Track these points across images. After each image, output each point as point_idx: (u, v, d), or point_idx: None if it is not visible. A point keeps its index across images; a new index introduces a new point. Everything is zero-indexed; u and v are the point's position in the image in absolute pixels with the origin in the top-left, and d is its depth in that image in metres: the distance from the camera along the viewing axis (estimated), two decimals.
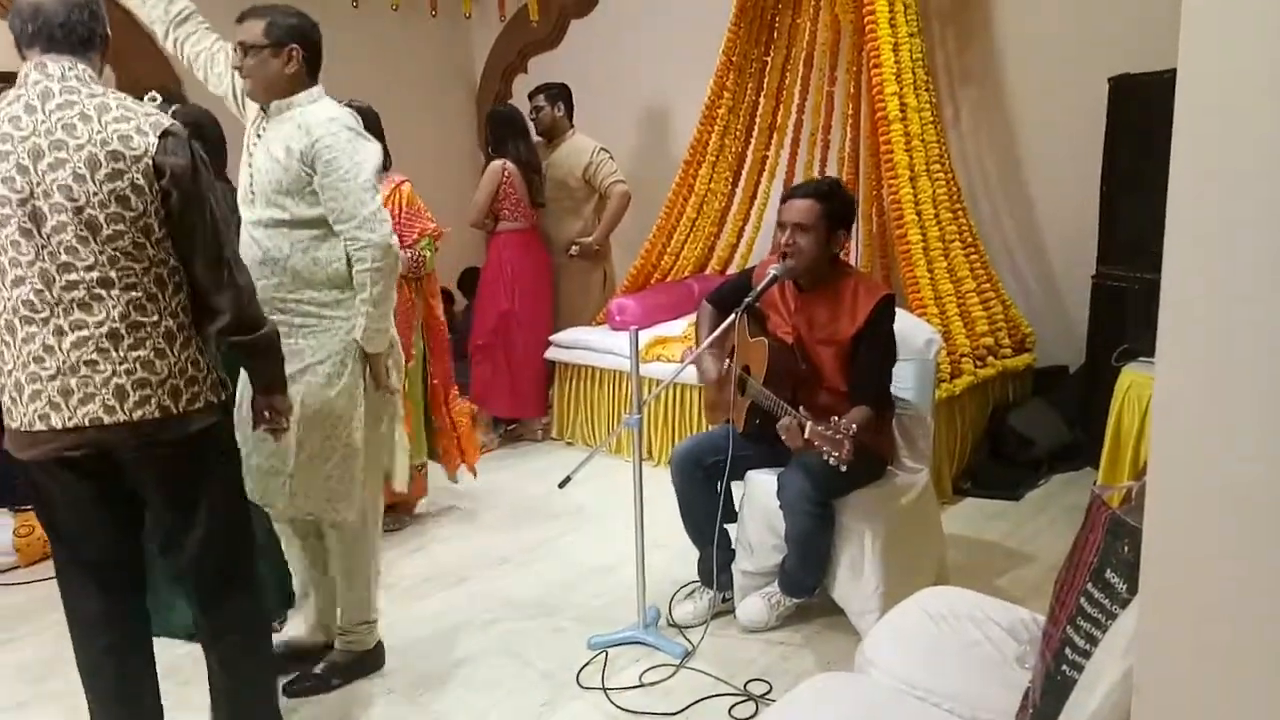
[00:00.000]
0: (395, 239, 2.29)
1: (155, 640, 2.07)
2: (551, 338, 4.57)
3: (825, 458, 2.26)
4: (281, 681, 2.41)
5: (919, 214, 3.78)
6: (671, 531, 2.89)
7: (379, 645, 2.60)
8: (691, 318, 3.97)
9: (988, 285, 4.03)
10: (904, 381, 2.83)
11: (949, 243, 3.89)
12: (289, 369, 2.23)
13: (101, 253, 1.72)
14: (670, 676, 2.52)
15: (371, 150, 2.28)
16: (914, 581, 2.45)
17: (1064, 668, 1.38)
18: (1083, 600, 1.37)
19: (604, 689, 2.48)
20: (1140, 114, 3.52)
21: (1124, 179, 3.67)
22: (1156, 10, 3.66)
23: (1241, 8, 0.76)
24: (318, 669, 2.52)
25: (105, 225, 1.72)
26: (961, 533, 3.39)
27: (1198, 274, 0.81)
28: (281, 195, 2.26)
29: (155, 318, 1.79)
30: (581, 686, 2.50)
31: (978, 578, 2.97)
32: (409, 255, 3.25)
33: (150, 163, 1.73)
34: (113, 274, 1.74)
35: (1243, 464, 0.80)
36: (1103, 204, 3.81)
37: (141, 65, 4.57)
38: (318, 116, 2.26)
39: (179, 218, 1.78)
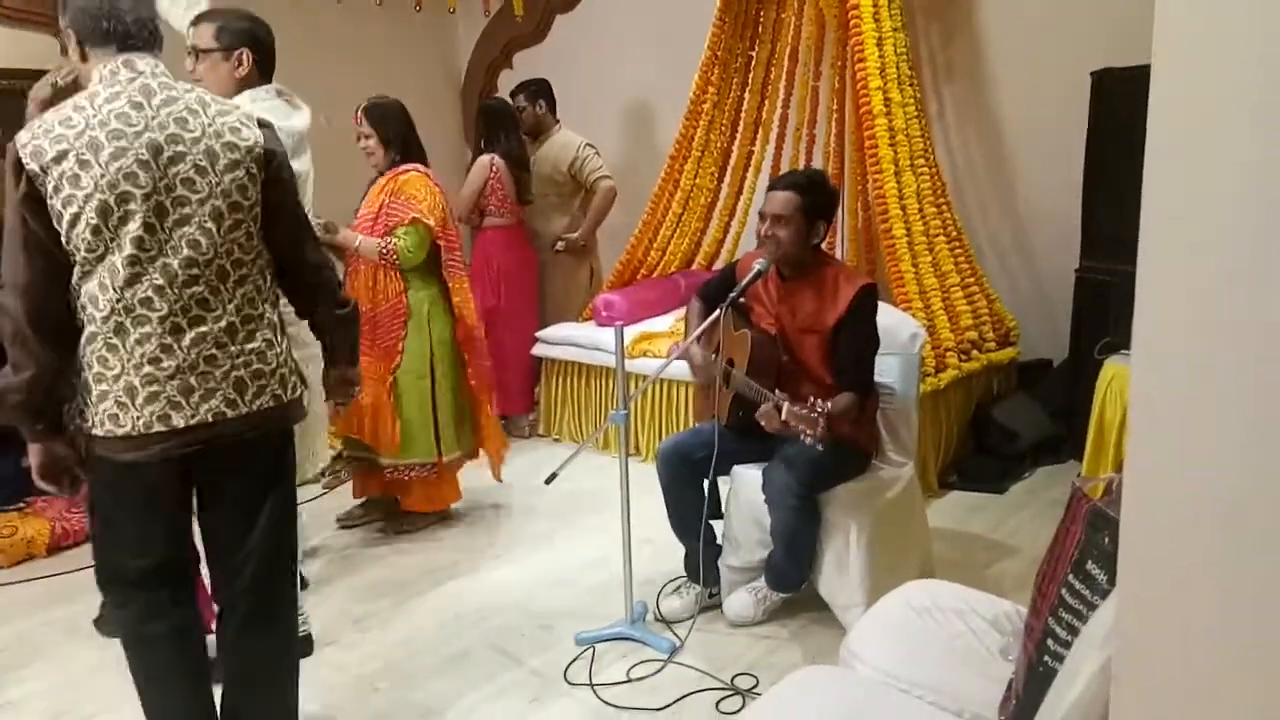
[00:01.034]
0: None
1: None
2: (538, 334, 4.56)
3: (802, 438, 2.28)
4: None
5: (903, 208, 3.79)
6: (659, 527, 2.89)
7: (307, 635, 2.60)
8: (678, 313, 3.97)
9: (972, 279, 4.05)
10: (889, 375, 2.84)
11: (933, 237, 3.90)
12: None
13: (222, 244, 1.75)
14: (657, 672, 2.53)
15: (307, 162, 2.29)
16: (899, 575, 2.46)
17: (1046, 659, 1.39)
18: (1064, 592, 1.38)
19: (591, 685, 2.48)
20: (1123, 108, 3.54)
21: (1107, 173, 3.69)
22: (1139, 4, 3.68)
23: (1213, 2, 0.77)
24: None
25: (227, 215, 1.75)
26: (946, 526, 3.40)
27: (1172, 268, 0.82)
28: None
29: (262, 309, 1.83)
30: (569, 683, 2.50)
31: (962, 570, 2.99)
32: (378, 244, 3.19)
33: (261, 152, 1.78)
34: (229, 266, 1.76)
35: (1218, 455, 0.81)
36: (1085, 198, 3.83)
37: None
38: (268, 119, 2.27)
39: (281, 202, 1.85)
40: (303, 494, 3.75)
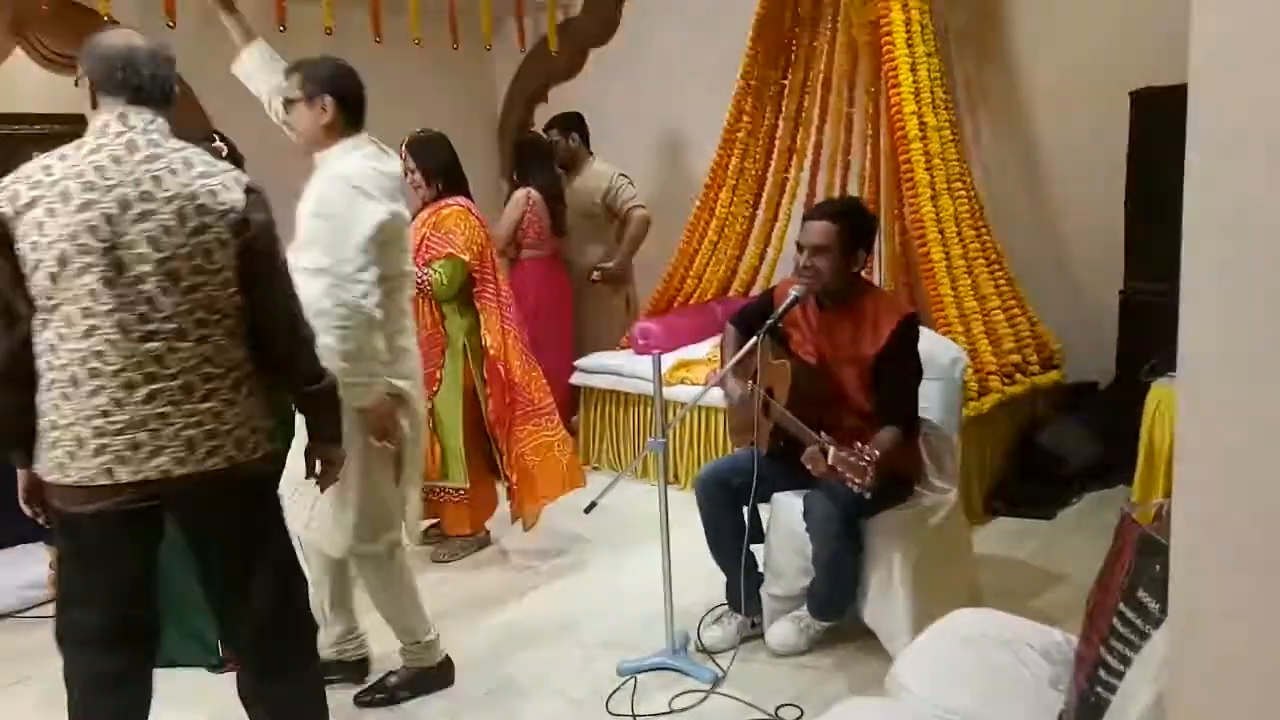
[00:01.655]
0: (370, 300, 2.26)
1: (179, 670, 2.06)
2: (576, 362, 4.58)
3: (849, 484, 2.24)
4: (353, 692, 2.59)
5: (941, 232, 3.76)
6: (699, 555, 2.87)
7: (446, 662, 2.64)
8: (715, 340, 3.97)
9: (1013, 302, 4.00)
10: (930, 400, 2.81)
11: (972, 260, 3.87)
12: None
13: (180, 304, 1.73)
14: (700, 702, 2.50)
15: (368, 211, 2.27)
16: (945, 603, 2.41)
17: (1098, 689, 1.36)
18: (1115, 620, 1.35)
19: (633, 715, 2.46)
20: (1164, 126, 3.48)
21: (1150, 192, 3.64)
22: (1177, 22, 3.64)
23: (1248, 21, 0.76)
24: (388, 682, 2.61)
25: (187, 277, 1.73)
26: (993, 553, 3.34)
27: (1214, 287, 0.81)
28: (307, 244, 2.31)
29: (224, 368, 1.80)
30: (611, 713, 2.49)
31: (1010, 599, 2.92)
32: (417, 275, 3.26)
33: (237, 218, 1.76)
34: (188, 325, 1.75)
35: (1269, 478, 0.79)
36: (1129, 218, 3.77)
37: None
38: (331, 171, 2.33)
39: (258, 271, 1.82)
40: None
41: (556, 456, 3.52)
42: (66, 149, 1.74)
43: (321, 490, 2.18)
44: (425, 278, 3.27)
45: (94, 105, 1.80)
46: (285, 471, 2.23)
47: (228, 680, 2.73)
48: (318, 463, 2.08)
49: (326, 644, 2.68)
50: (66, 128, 4.37)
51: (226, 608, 1.95)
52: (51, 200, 1.68)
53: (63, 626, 1.88)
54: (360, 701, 2.57)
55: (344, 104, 2.36)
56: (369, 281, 2.26)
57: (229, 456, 1.80)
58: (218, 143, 3.18)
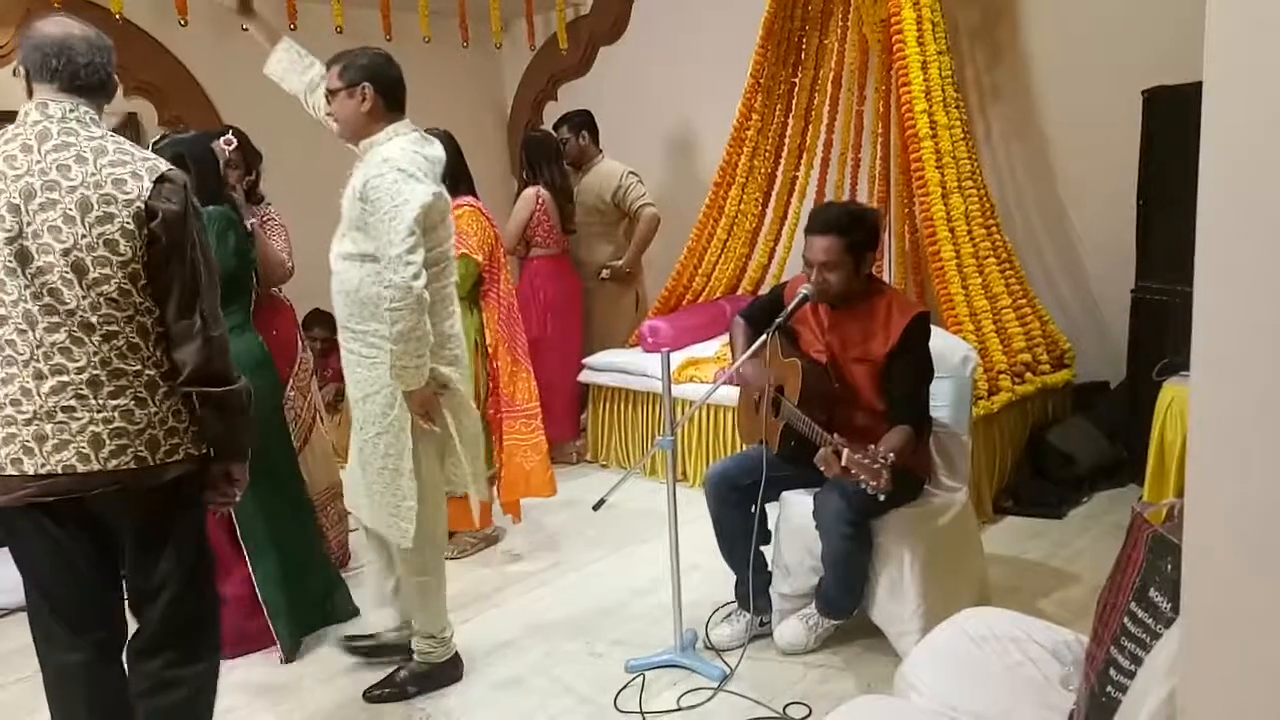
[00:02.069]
0: (420, 282, 2.29)
1: None
2: (585, 360, 4.59)
3: (862, 486, 2.24)
4: (364, 687, 2.62)
5: (951, 231, 3.75)
6: (708, 553, 2.88)
7: (455, 659, 2.67)
8: (723, 339, 3.97)
9: (1024, 301, 3.99)
10: (941, 399, 2.81)
11: (983, 259, 3.86)
12: (357, 394, 2.42)
13: (85, 297, 1.69)
14: (708, 700, 2.51)
15: (414, 192, 2.30)
16: (954, 602, 2.41)
17: (1108, 689, 1.35)
18: (1126, 620, 1.34)
19: (641, 712, 2.47)
20: (1176, 125, 3.48)
21: (1161, 191, 3.63)
22: (1190, 21, 3.62)
23: (1263, 18, 0.76)
24: (397, 677, 2.62)
25: (92, 269, 1.68)
26: (1003, 552, 3.33)
27: (1229, 287, 0.80)
28: (353, 230, 2.39)
29: (138, 366, 1.75)
30: (619, 710, 2.49)
31: (1020, 598, 2.92)
32: None
33: (142, 207, 1.70)
34: (95, 319, 1.70)
35: None
36: (1140, 217, 3.76)
37: (181, 104, 4.70)
38: (378, 156, 2.37)
39: (160, 262, 1.74)
40: (353, 520, 3.81)
41: (519, 463, 3.56)
42: None
43: (214, 514, 2.07)
44: None
45: (29, 95, 1.75)
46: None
47: (242, 666, 2.77)
48: (220, 482, 1.92)
49: (392, 628, 2.77)
50: None
51: (137, 603, 1.91)
52: None
53: (30, 618, 1.89)
54: (370, 696, 2.60)
55: (383, 91, 2.41)
56: (417, 263, 2.30)
57: (138, 457, 1.75)
58: (229, 135, 3.17)
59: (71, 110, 1.73)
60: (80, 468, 1.72)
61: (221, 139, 3.17)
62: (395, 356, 2.32)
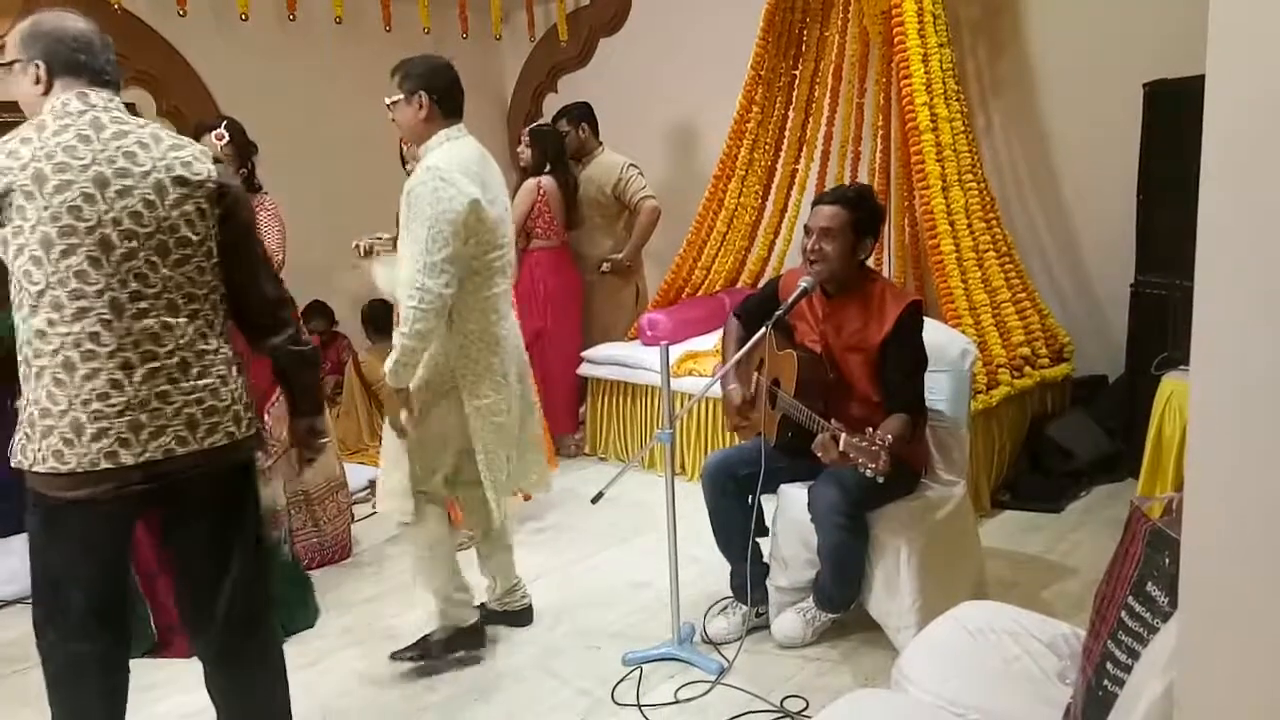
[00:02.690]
0: (450, 290, 2.39)
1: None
2: (584, 353, 4.59)
3: (862, 470, 2.24)
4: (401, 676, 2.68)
5: (951, 224, 3.75)
6: (706, 547, 2.88)
7: (476, 626, 2.74)
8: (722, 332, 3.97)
9: (1023, 295, 3.99)
10: (939, 393, 2.81)
11: (983, 252, 3.85)
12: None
13: (170, 279, 1.73)
14: (706, 693, 2.51)
15: (450, 198, 2.37)
16: (952, 596, 2.42)
17: (1105, 683, 1.35)
18: (1123, 614, 1.34)
19: (639, 705, 2.47)
20: (1177, 119, 3.47)
21: (1161, 185, 3.62)
22: (1191, 14, 3.61)
23: (1266, 11, 0.76)
24: (421, 641, 2.70)
25: (174, 249, 1.73)
26: (1001, 546, 3.34)
27: (1229, 281, 0.80)
28: (404, 232, 2.45)
29: (216, 344, 1.81)
30: (616, 703, 2.50)
31: (1017, 591, 2.93)
32: None
33: (214, 186, 1.77)
34: (180, 300, 1.75)
35: None
36: (1140, 211, 3.75)
37: (180, 94, 4.68)
38: (429, 162, 2.45)
39: (241, 238, 1.84)
40: (354, 512, 3.82)
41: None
42: (26, 131, 1.70)
43: (300, 472, 2.25)
44: None
45: (47, 90, 1.74)
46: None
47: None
48: (306, 437, 2.06)
49: (490, 599, 2.88)
50: None
51: (201, 585, 1.91)
52: (26, 185, 1.64)
53: (44, 614, 1.85)
54: (395, 656, 2.69)
55: (438, 98, 2.52)
56: (452, 272, 2.38)
57: (228, 432, 1.81)
58: (219, 130, 3.16)
59: (111, 100, 1.77)
60: (179, 450, 1.75)
61: (213, 133, 3.16)
62: (401, 352, 2.39)
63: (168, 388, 1.74)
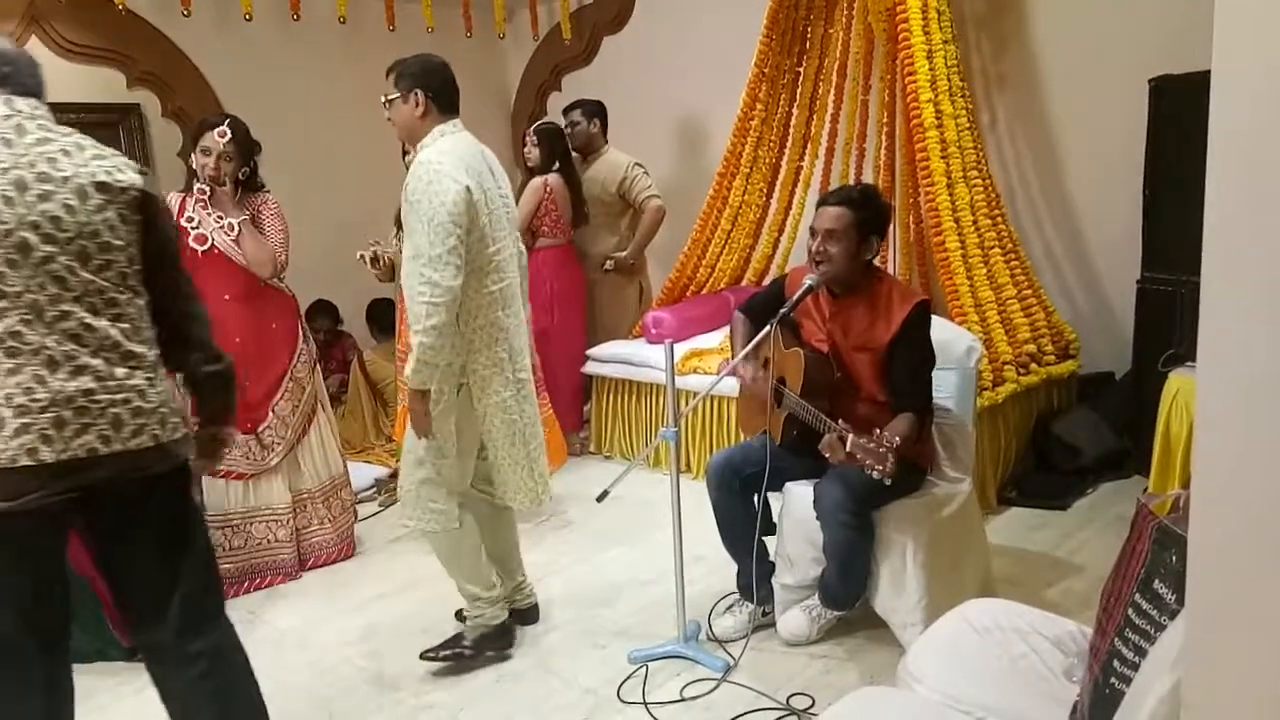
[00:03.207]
0: (458, 282, 2.38)
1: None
2: (589, 352, 4.59)
3: (869, 471, 2.24)
4: (421, 649, 2.69)
5: (957, 221, 3.74)
6: (711, 544, 2.88)
7: (507, 624, 2.76)
8: (727, 330, 3.96)
9: (1029, 291, 3.97)
10: (945, 390, 2.80)
11: (988, 249, 3.84)
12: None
13: (91, 283, 1.73)
14: (711, 691, 2.51)
15: (447, 188, 2.37)
16: (958, 593, 2.41)
17: (1112, 680, 1.35)
18: (1130, 611, 1.34)
19: (645, 703, 2.47)
20: (1183, 115, 3.46)
21: (1167, 181, 3.61)
22: (1196, 10, 3.59)
23: (1273, 6, 0.75)
24: (453, 639, 2.72)
25: (95, 255, 1.73)
26: (1007, 543, 3.33)
27: (1237, 277, 0.80)
28: (407, 232, 2.45)
29: (142, 348, 1.80)
30: (622, 701, 2.50)
31: (1024, 589, 2.92)
32: None
33: (137, 194, 1.77)
34: (100, 304, 1.74)
35: None
36: (1146, 207, 3.74)
37: (185, 95, 4.69)
38: (422, 157, 2.45)
39: (162, 248, 1.83)
40: (359, 511, 3.82)
41: (552, 433, 3.66)
42: None
43: (203, 472, 2.22)
44: None
45: None
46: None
47: None
48: (212, 445, 2.04)
49: (499, 599, 2.82)
50: (80, 116, 4.41)
51: (145, 595, 1.89)
52: None
53: None
54: (424, 655, 2.68)
55: (434, 95, 2.53)
56: (457, 263, 2.36)
57: (154, 435, 1.78)
58: (221, 128, 3.16)
59: (37, 109, 1.78)
60: (103, 449, 1.72)
61: (215, 130, 3.16)
62: (421, 351, 2.37)
63: (93, 385, 1.72)
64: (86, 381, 1.72)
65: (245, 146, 3.23)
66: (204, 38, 4.71)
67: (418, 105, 2.51)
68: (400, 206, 2.48)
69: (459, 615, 2.88)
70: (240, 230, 3.20)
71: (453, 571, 2.70)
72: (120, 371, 1.75)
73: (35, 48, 4.22)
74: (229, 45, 4.78)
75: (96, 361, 1.73)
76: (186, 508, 1.92)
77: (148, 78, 4.60)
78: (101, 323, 1.74)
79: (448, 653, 2.68)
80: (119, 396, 1.75)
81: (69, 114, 4.34)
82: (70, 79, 4.36)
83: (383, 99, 2.56)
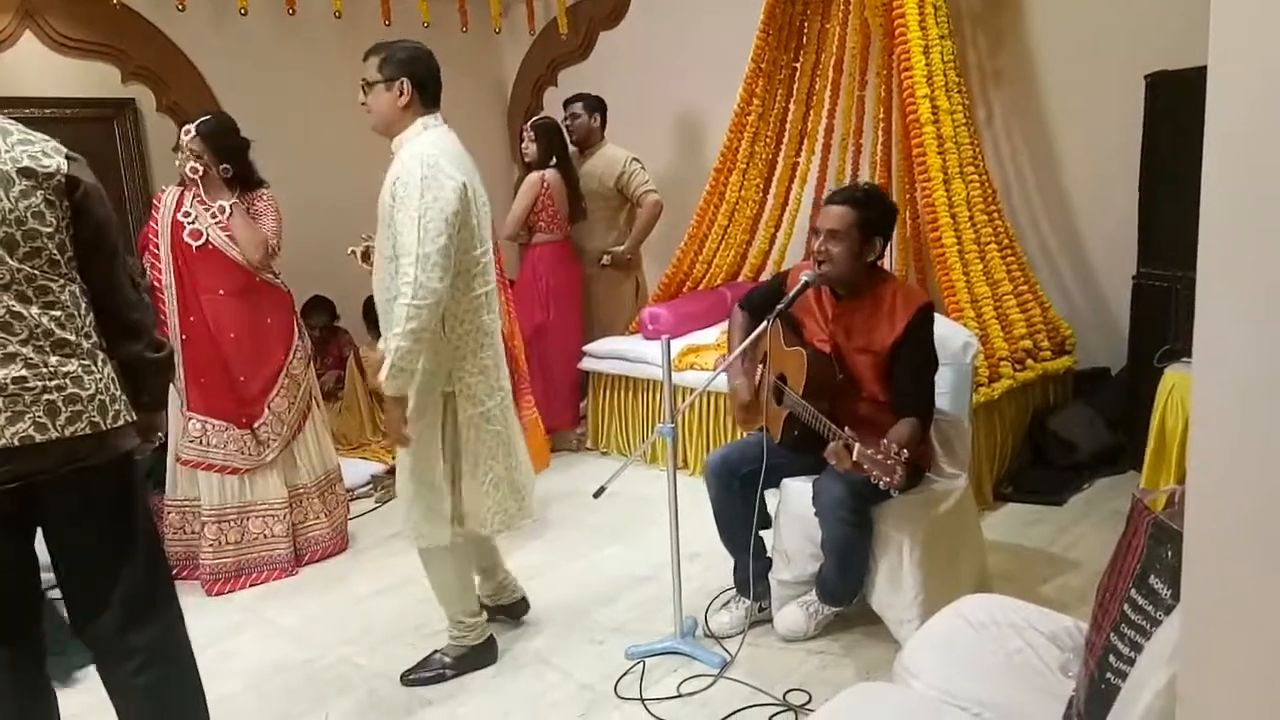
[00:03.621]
0: (445, 285, 2.27)
1: None
2: (586, 348, 4.58)
3: (875, 481, 2.22)
4: (401, 670, 2.65)
5: (953, 217, 3.74)
6: (708, 541, 2.88)
7: (489, 642, 2.71)
8: (724, 326, 3.96)
9: (1025, 287, 3.98)
10: (941, 386, 2.79)
11: (984, 245, 3.84)
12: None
13: (19, 270, 1.70)
14: (708, 687, 2.51)
15: (443, 186, 2.26)
16: (954, 589, 2.42)
17: (1108, 675, 1.35)
18: (1126, 607, 1.34)
19: (642, 699, 2.47)
20: (1178, 111, 3.46)
21: (1163, 177, 3.61)
22: (1192, 6, 3.59)
23: (1271, 1, 0.75)
24: (433, 660, 2.67)
25: (22, 243, 1.70)
26: (1003, 539, 3.34)
27: (1233, 272, 0.80)
28: (386, 228, 2.34)
29: (76, 337, 1.77)
30: (619, 697, 2.50)
31: (1020, 584, 2.93)
32: None
33: (62, 179, 1.73)
34: (30, 292, 1.72)
35: None
36: (1142, 203, 3.74)
37: (180, 90, 4.68)
38: (408, 151, 2.33)
39: (95, 234, 1.79)
40: (356, 507, 3.83)
41: (534, 435, 3.64)
42: None
43: (139, 453, 2.11)
44: None
45: None
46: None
47: None
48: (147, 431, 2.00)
49: (485, 595, 2.83)
50: (74, 111, 4.39)
51: (90, 590, 1.88)
52: None
53: None
54: (406, 680, 2.63)
55: (420, 85, 2.41)
56: (444, 265, 2.25)
57: (92, 422, 1.76)
58: (186, 125, 3.17)
59: None
60: (38, 437, 1.70)
61: (183, 129, 3.18)
62: (397, 355, 2.25)
63: (25, 373, 1.70)
64: (17, 369, 1.69)
65: (216, 143, 3.21)
66: (199, 32, 4.69)
67: (402, 94, 2.37)
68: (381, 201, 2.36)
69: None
70: (231, 212, 3.19)
71: (439, 594, 2.64)
72: (53, 360, 1.73)
73: (29, 42, 4.20)
74: (224, 40, 4.77)
75: (26, 350, 1.71)
76: (131, 499, 1.89)
77: (142, 72, 4.58)
78: (32, 310, 1.71)
79: (429, 674, 2.63)
80: (52, 384, 1.72)
81: (62, 109, 4.35)
82: (64, 74, 4.34)
83: (362, 83, 2.42)
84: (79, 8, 4.28)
